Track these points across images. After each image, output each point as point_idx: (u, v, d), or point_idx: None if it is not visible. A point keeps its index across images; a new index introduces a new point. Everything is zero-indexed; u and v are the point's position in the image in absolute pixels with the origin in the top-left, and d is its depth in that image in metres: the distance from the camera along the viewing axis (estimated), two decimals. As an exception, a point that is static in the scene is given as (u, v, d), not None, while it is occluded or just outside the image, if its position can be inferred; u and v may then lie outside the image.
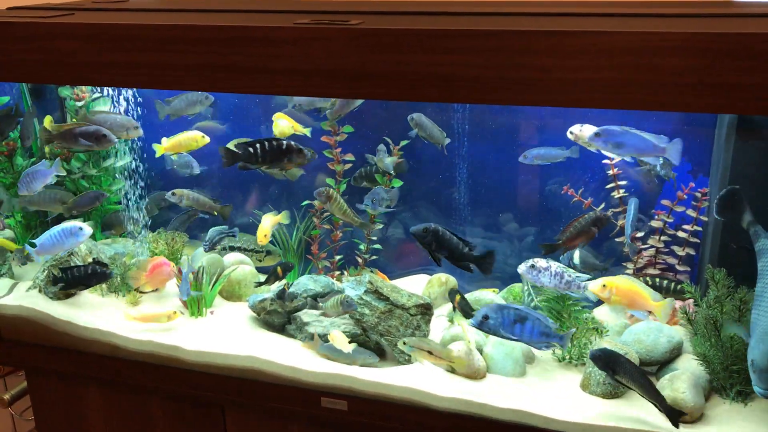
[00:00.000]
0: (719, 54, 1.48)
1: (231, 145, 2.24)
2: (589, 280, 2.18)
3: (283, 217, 2.56)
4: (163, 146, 2.59)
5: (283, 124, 2.54)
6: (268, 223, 2.56)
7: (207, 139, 2.59)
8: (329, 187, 2.55)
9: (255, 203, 2.85)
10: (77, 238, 2.47)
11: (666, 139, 1.98)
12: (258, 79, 1.82)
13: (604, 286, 2.12)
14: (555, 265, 2.20)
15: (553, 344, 2.00)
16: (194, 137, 2.58)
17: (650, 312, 2.13)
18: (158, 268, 2.50)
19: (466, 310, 2.35)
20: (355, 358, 2.24)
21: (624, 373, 1.92)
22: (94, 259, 2.62)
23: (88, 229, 2.47)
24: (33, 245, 2.45)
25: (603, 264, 2.44)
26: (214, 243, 2.65)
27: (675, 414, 1.89)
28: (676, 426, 1.89)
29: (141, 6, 2.38)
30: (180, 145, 2.58)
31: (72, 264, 2.59)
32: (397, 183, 2.62)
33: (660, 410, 1.91)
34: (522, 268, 2.22)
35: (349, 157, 2.61)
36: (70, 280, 2.45)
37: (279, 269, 2.49)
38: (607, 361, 1.94)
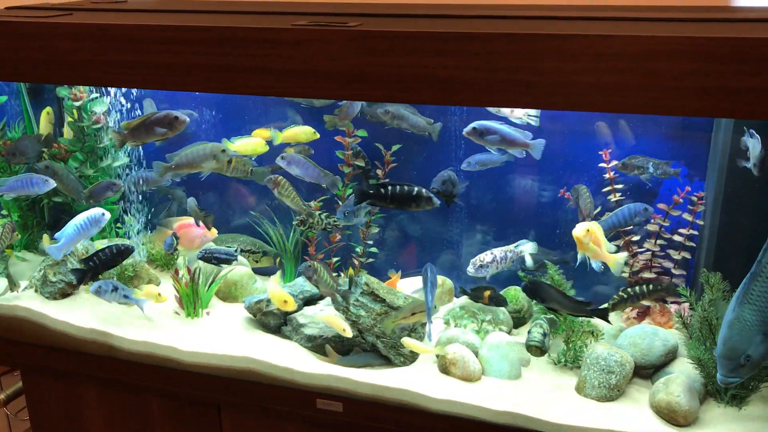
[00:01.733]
0: (717, 58, 1.49)
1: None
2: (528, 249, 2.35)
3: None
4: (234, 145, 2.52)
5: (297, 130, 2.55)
6: (277, 286, 2.46)
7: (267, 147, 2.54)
8: (277, 174, 2.54)
9: (251, 204, 2.86)
10: (100, 224, 2.50)
11: (530, 135, 2.23)
12: (256, 80, 1.82)
13: (587, 230, 2.14)
14: (498, 252, 2.29)
15: None
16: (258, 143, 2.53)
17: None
18: (185, 228, 2.51)
19: (500, 302, 2.39)
20: (372, 363, 2.25)
21: (547, 297, 2.15)
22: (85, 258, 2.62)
23: (107, 213, 2.51)
24: (55, 240, 2.48)
25: (561, 258, 2.49)
26: (211, 256, 2.63)
27: (602, 312, 2.15)
28: (607, 319, 2.19)
29: (139, 6, 2.38)
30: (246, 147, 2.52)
31: (69, 263, 2.59)
32: None
33: (591, 316, 2.16)
34: (471, 271, 2.28)
35: (359, 162, 2.60)
36: (98, 266, 2.47)
37: (278, 260, 2.56)
38: (534, 289, 2.18)
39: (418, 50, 1.68)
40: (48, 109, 2.82)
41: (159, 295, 2.55)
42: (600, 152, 2.37)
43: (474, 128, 2.19)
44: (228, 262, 2.63)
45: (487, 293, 2.39)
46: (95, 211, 2.50)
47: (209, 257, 2.60)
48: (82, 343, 2.43)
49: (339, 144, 2.58)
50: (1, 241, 2.60)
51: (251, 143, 2.51)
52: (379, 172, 2.58)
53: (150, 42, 1.89)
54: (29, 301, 2.53)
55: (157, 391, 2.41)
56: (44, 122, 2.83)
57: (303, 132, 2.53)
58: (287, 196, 2.51)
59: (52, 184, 2.52)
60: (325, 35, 1.74)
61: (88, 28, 1.95)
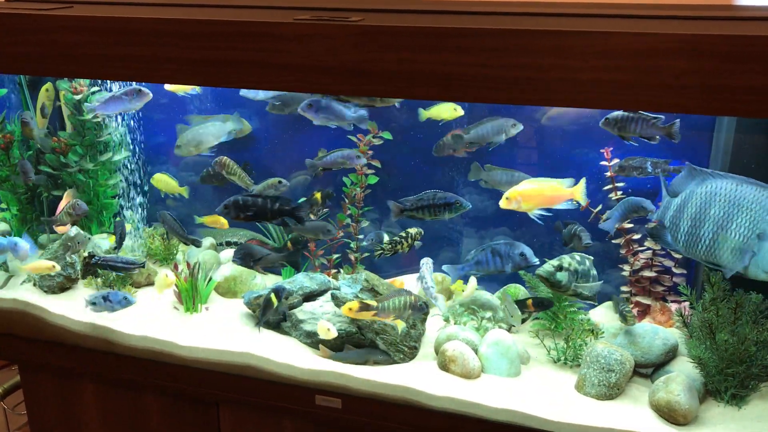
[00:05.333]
0: (719, 56, 1.49)
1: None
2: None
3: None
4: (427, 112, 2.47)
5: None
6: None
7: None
8: (222, 156, 2.61)
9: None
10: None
11: (357, 110, 2.38)
12: (259, 75, 1.82)
13: (507, 198, 2.20)
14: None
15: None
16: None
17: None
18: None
19: (545, 304, 2.37)
20: (368, 358, 2.24)
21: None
22: (89, 253, 2.61)
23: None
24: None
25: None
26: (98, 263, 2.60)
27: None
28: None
29: (140, 0, 2.37)
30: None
31: (68, 258, 2.59)
32: (373, 180, 2.61)
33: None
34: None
35: (376, 162, 2.60)
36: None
37: (289, 244, 2.56)
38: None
39: (419, 46, 1.68)
40: (47, 85, 2.78)
41: (166, 276, 2.55)
42: (601, 150, 2.36)
43: (309, 104, 2.35)
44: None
45: (530, 301, 2.38)
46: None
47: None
48: (80, 338, 2.42)
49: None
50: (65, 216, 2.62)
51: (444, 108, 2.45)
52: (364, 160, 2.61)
53: (152, 36, 1.89)
54: (27, 295, 2.52)
55: (155, 386, 2.41)
56: (43, 98, 2.79)
57: (446, 109, 2.45)
58: (233, 174, 2.59)
59: (146, 94, 2.48)
60: (328, 30, 1.74)
61: (89, 21, 1.95)
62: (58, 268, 2.50)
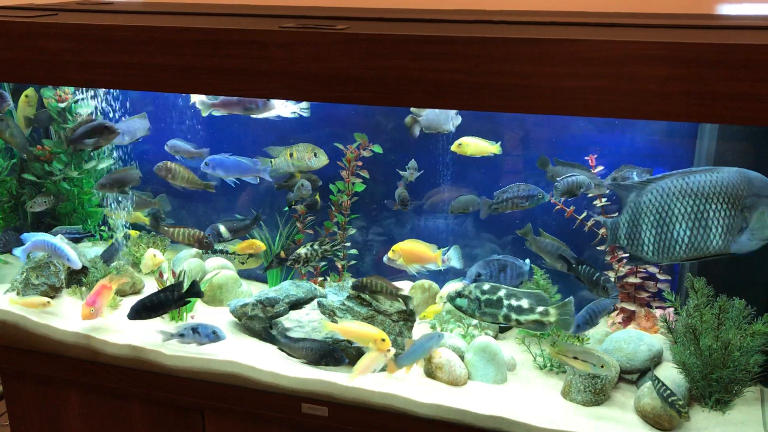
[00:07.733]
0: (702, 64, 1.50)
1: None
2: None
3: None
4: None
5: None
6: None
7: None
8: (167, 160, 2.60)
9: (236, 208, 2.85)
10: (67, 262, 2.49)
11: (258, 163, 2.52)
12: (244, 82, 1.82)
13: (393, 251, 2.45)
14: None
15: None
16: None
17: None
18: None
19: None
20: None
21: None
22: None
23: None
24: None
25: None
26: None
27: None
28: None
29: (125, 8, 2.37)
30: None
31: (51, 268, 2.57)
32: (360, 187, 2.61)
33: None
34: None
35: (364, 173, 2.60)
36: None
37: (282, 253, 2.54)
38: None
39: (405, 53, 1.68)
40: (28, 91, 2.75)
41: (154, 256, 2.53)
42: (586, 158, 2.38)
43: (206, 163, 2.50)
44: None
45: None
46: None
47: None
48: (64, 347, 2.40)
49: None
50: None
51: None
52: (344, 173, 2.59)
53: (137, 43, 1.88)
54: (10, 305, 2.50)
55: (140, 395, 2.39)
56: (23, 106, 2.76)
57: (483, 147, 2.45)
58: (182, 178, 2.59)
59: None
60: (313, 38, 1.74)
61: (73, 28, 1.94)
62: (52, 304, 2.50)
